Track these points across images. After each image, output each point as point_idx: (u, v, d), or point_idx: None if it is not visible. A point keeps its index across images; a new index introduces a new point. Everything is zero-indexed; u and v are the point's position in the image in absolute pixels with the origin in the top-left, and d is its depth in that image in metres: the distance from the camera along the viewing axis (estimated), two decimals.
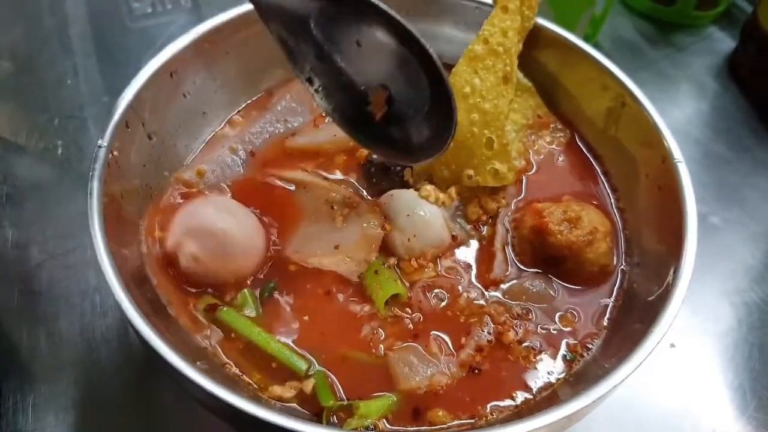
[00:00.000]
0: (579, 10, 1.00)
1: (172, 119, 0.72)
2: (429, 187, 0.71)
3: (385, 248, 0.69)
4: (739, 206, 0.91)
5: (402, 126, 0.66)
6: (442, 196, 0.71)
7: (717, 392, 0.74)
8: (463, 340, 0.64)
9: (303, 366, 0.61)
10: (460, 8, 0.82)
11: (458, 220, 0.72)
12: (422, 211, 0.69)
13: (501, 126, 0.70)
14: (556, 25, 0.79)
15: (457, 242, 0.70)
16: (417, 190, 0.71)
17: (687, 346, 0.77)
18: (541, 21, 0.79)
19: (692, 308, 0.79)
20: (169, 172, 0.72)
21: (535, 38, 0.79)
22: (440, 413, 0.59)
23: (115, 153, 0.63)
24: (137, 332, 0.52)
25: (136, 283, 0.59)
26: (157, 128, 0.70)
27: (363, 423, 0.57)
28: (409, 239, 0.67)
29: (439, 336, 0.64)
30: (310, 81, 0.66)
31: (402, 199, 0.70)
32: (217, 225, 0.64)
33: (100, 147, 0.62)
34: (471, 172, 0.71)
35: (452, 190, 0.71)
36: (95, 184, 0.59)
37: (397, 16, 0.59)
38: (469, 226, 0.72)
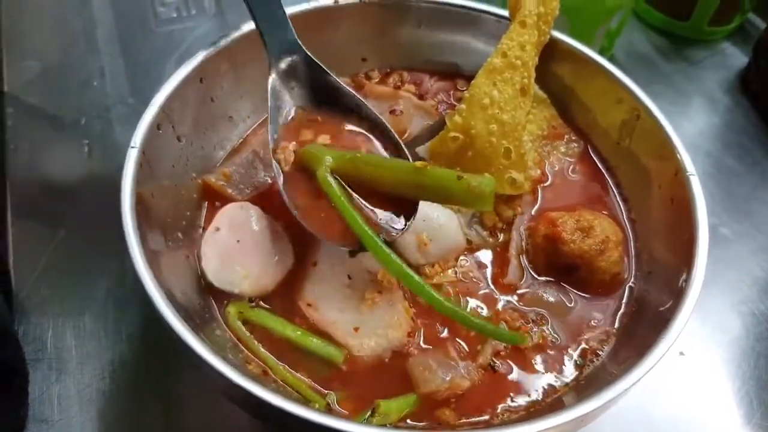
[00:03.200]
0: (595, 23, 1.02)
1: (200, 122, 0.75)
2: None
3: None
4: (749, 218, 0.92)
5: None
6: None
7: (724, 400, 0.75)
8: (479, 347, 0.65)
9: (340, 355, 0.63)
10: (480, 21, 0.85)
11: (474, 227, 0.74)
12: (436, 214, 0.70)
13: (518, 136, 0.72)
14: (572, 38, 0.81)
15: (472, 248, 0.72)
16: None
17: (696, 355, 0.78)
18: (558, 35, 0.81)
19: (701, 317, 0.81)
20: (196, 173, 0.74)
21: (551, 51, 0.81)
22: (447, 413, 0.61)
23: (146, 154, 0.65)
24: (169, 328, 0.54)
25: (167, 281, 0.60)
26: (186, 131, 0.72)
27: (384, 421, 0.59)
28: (425, 243, 0.69)
29: (456, 341, 0.66)
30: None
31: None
32: (245, 220, 0.68)
33: (132, 147, 0.64)
34: None
35: None
36: (128, 183, 0.61)
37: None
38: (485, 233, 0.74)
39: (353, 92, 0.73)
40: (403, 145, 0.70)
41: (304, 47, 0.72)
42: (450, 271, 0.70)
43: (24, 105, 1.01)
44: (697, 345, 0.79)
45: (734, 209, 0.94)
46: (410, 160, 0.68)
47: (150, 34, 1.12)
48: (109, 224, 0.84)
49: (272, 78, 0.71)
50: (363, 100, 0.73)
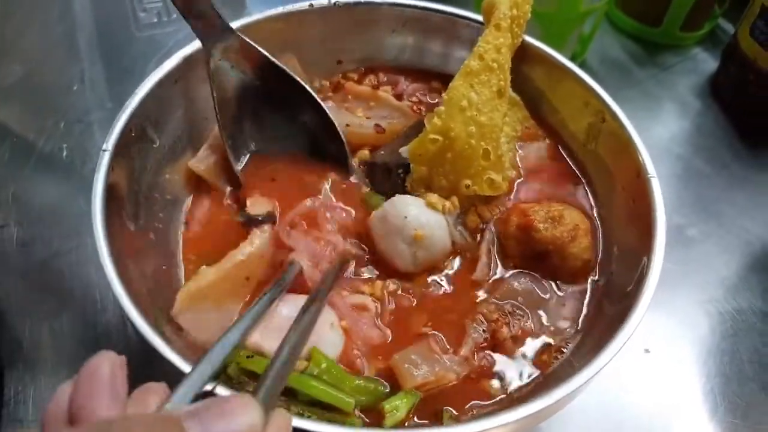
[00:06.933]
0: (568, 28, 1.04)
1: (174, 124, 0.75)
2: (435, 197, 0.72)
3: (388, 267, 0.71)
4: (716, 219, 0.94)
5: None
6: (447, 204, 0.72)
7: (689, 396, 0.77)
8: (460, 339, 0.67)
9: (351, 401, 0.58)
10: (453, 25, 0.86)
11: (459, 228, 0.74)
12: (425, 218, 0.69)
13: (496, 138, 0.73)
14: (544, 42, 0.83)
15: (457, 248, 0.73)
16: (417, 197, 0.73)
17: (661, 352, 0.80)
18: (530, 39, 0.82)
19: (668, 315, 0.83)
20: (170, 174, 0.75)
21: (523, 55, 0.83)
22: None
23: (119, 156, 0.66)
24: (137, 331, 0.54)
25: (137, 283, 0.61)
26: (160, 133, 0.73)
27: (396, 419, 0.58)
28: (416, 252, 0.69)
29: (437, 335, 0.67)
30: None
31: (408, 211, 0.70)
32: None
33: (104, 150, 0.65)
34: (468, 181, 0.73)
35: (455, 199, 0.73)
36: (99, 187, 0.62)
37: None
38: (466, 233, 0.74)
39: (295, 77, 0.76)
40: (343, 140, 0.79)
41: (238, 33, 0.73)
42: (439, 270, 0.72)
43: (5, 108, 1.02)
44: (663, 342, 0.80)
45: (702, 211, 0.96)
46: (347, 154, 0.79)
47: (131, 39, 1.13)
48: (86, 226, 0.86)
49: (212, 63, 0.73)
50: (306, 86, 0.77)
